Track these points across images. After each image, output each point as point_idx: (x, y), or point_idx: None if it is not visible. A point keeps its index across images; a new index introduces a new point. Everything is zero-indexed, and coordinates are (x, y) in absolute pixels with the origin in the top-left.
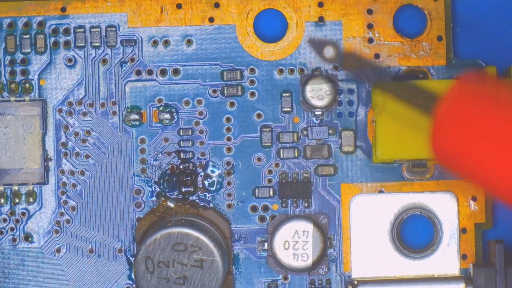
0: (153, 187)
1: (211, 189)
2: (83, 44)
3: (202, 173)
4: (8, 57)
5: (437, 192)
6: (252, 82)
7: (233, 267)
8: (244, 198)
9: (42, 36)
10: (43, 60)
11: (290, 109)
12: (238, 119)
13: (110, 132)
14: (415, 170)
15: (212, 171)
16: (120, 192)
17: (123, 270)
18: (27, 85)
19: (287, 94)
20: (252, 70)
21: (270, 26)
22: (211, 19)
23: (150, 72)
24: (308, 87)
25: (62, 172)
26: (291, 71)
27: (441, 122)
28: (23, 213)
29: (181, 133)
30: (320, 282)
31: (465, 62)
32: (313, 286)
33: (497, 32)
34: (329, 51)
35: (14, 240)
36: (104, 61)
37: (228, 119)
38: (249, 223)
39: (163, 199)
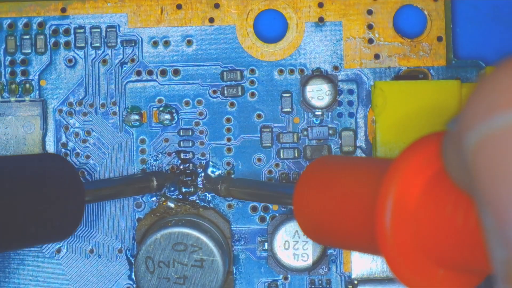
0: None
1: None
2: (83, 45)
3: (203, 174)
4: (9, 58)
5: None
6: (252, 82)
7: (233, 267)
8: None
9: (42, 37)
10: (43, 61)
11: (290, 110)
12: (238, 120)
13: (110, 133)
14: None
15: (213, 172)
16: None
17: (123, 270)
18: (28, 85)
19: (287, 95)
20: (252, 71)
21: (270, 27)
22: (211, 20)
23: (150, 73)
24: (308, 88)
25: None
26: (291, 71)
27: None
28: None
29: (181, 134)
30: (320, 282)
31: (465, 63)
32: (313, 286)
33: (497, 32)
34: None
35: None
36: (104, 61)
37: (228, 120)
38: (249, 223)
39: (164, 199)
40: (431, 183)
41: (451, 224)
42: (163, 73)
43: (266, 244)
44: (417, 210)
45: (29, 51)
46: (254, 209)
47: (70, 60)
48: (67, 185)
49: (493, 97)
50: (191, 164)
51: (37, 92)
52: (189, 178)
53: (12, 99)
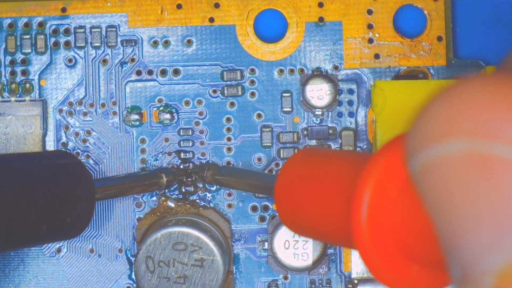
0: None
1: (212, 189)
2: (83, 45)
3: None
4: (9, 58)
5: None
6: (252, 82)
7: (234, 266)
8: (244, 198)
9: (42, 37)
10: (43, 61)
11: (290, 109)
12: (238, 119)
13: (110, 132)
14: None
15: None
16: None
17: (123, 270)
18: (28, 85)
19: (287, 94)
20: (252, 70)
21: (270, 26)
22: (211, 20)
23: (150, 73)
24: (308, 87)
25: None
26: (291, 71)
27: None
28: None
29: (181, 133)
30: (320, 281)
31: (465, 62)
32: (313, 286)
33: (497, 32)
34: None
35: None
36: (105, 61)
37: (228, 119)
38: (250, 223)
39: (164, 199)
40: (408, 180)
41: (426, 221)
42: (163, 73)
43: (266, 243)
44: (393, 205)
45: (29, 50)
46: (254, 208)
47: (70, 60)
48: (77, 182)
49: (431, 127)
50: (191, 164)
51: (37, 92)
52: (190, 179)
53: (12, 99)
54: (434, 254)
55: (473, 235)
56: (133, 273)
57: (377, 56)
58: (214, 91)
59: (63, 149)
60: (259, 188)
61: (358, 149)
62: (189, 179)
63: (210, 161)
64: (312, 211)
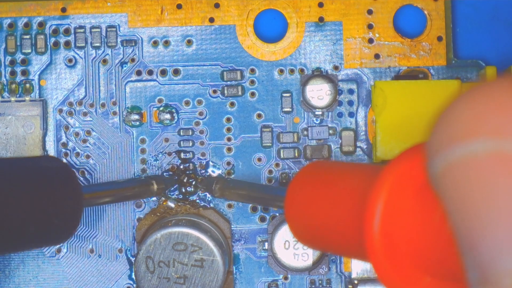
0: None
1: None
2: (83, 45)
3: (207, 174)
4: (9, 58)
5: None
6: (252, 82)
7: (234, 267)
8: None
9: (42, 37)
10: (43, 61)
11: (290, 109)
12: (238, 119)
13: (110, 132)
14: None
15: (213, 171)
16: None
17: (123, 270)
18: (28, 85)
19: (287, 94)
20: (252, 71)
21: (270, 26)
22: (211, 20)
23: (150, 73)
24: (308, 87)
25: None
26: (291, 71)
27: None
28: None
29: (181, 133)
30: (320, 282)
31: (465, 62)
32: (313, 286)
33: (497, 32)
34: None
35: None
36: (105, 61)
37: (228, 119)
38: (250, 223)
39: (164, 199)
40: (421, 191)
41: (439, 232)
42: (163, 73)
43: (266, 244)
44: (406, 216)
45: (29, 51)
46: (254, 209)
47: (70, 60)
48: (63, 183)
49: (454, 127)
50: (191, 164)
51: (37, 92)
52: (192, 181)
53: (12, 99)
54: (447, 265)
55: (494, 235)
56: (133, 273)
57: (377, 56)
58: (214, 91)
59: (52, 152)
60: (269, 201)
61: (358, 149)
62: (192, 181)
63: (209, 160)
64: (324, 223)
